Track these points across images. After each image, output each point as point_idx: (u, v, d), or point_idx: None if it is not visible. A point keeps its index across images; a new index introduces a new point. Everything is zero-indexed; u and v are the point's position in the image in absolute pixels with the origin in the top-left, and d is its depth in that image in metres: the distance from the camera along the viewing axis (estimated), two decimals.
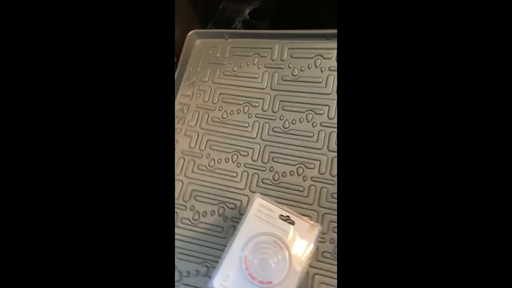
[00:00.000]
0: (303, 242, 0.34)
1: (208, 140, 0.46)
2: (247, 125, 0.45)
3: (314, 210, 0.38)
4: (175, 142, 0.46)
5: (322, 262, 0.35)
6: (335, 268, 0.34)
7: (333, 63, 0.45)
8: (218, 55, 0.51)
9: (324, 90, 0.44)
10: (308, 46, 0.47)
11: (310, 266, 0.34)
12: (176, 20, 0.49)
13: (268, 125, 0.45)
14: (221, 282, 0.33)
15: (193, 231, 0.40)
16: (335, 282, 0.33)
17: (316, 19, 0.59)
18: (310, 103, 0.44)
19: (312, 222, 0.36)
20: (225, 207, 0.41)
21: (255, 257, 0.32)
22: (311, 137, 0.43)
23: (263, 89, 0.47)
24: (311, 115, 0.43)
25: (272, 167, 0.42)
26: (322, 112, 0.43)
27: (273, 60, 0.48)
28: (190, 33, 0.53)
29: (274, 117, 0.44)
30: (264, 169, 0.42)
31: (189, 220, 0.41)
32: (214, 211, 0.41)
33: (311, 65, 0.45)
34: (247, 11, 0.62)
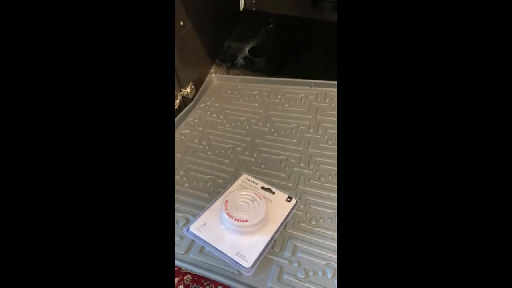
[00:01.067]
0: (281, 207, 0.40)
1: (210, 139, 0.55)
2: (244, 131, 0.55)
3: (293, 190, 0.45)
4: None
5: (298, 229, 0.40)
6: (309, 236, 0.39)
7: (313, 100, 0.60)
8: (229, 92, 0.66)
9: (306, 115, 0.57)
10: (295, 90, 0.64)
11: (286, 230, 0.39)
12: (189, 58, 0.63)
13: (261, 133, 0.55)
14: (197, 227, 0.37)
15: None
16: (306, 246, 0.38)
17: (301, 60, 0.73)
18: (295, 122, 0.56)
19: (290, 195, 0.42)
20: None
21: (236, 202, 0.38)
22: (293, 142, 0.52)
23: (260, 111, 0.59)
24: (296, 130, 0.55)
25: (260, 159, 0.50)
26: (304, 127, 0.55)
27: (270, 97, 0.63)
28: (211, 75, 0.70)
29: (266, 128, 0.55)
30: (253, 160, 0.50)
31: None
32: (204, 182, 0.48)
33: (298, 101, 0.61)
34: (247, 48, 0.76)
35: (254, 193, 0.38)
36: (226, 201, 0.37)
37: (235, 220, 0.35)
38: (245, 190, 0.39)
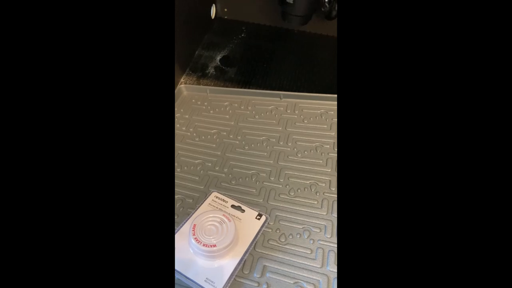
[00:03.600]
0: (250, 225, 0.40)
1: (178, 154, 0.54)
2: (214, 145, 0.55)
3: (264, 206, 0.45)
4: None
5: (267, 247, 0.40)
6: (278, 254, 0.39)
7: (283, 112, 0.60)
8: (199, 103, 0.64)
9: (276, 127, 0.57)
10: (266, 101, 0.63)
11: (255, 249, 0.39)
12: None
13: (231, 146, 0.54)
14: None
15: None
16: (275, 265, 0.38)
17: (273, 69, 0.74)
18: (265, 134, 0.56)
19: (260, 212, 0.42)
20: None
21: (204, 226, 0.37)
22: (264, 155, 0.52)
23: (231, 123, 0.59)
24: (266, 142, 0.55)
25: (230, 174, 0.50)
26: (274, 140, 0.55)
27: (241, 108, 0.62)
28: (181, 86, 0.68)
29: (237, 141, 0.55)
30: (223, 176, 0.50)
31: None
32: None
33: (268, 112, 0.60)
34: (218, 58, 0.76)
35: (223, 215, 0.38)
36: (194, 225, 0.36)
37: (203, 245, 0.35)
38: (213, 212, 0.38)
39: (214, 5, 0.85)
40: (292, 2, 0.59)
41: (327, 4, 0.67)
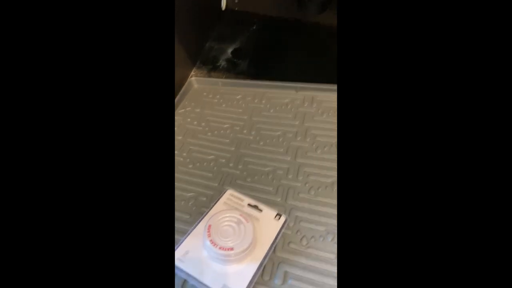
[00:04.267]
0: (269, 226, 0.37)
1: (190, 149, 0.51)
2: (227, 140, 0.52)
3: (282, 206, 0.42)
4: None
5: (288, 251, 0.37)
6: (300, 259, 0.36)
7: (300, 105, 0.56)
8: (211, 96, 0.61)
9: (292, 121, 0.53)
10: (281, 94, 0.59)
11: (275, 253, 0.36)
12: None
13: (246, 141, 0.52)
14: (179, 257, 0.34)
15: None
16: (298, 271, 0.35)
17: (286, 62, 0.70)
18: (281, 129, 0.52)
19: (278, 212, 0.39)
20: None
21: (220, 227, 0.34)
22: (280, 152, 0.49)
23: (244, 118, 0.55)
24: (282, 137, 0.51)
25: (245, 171, 0.47)
26: (291, 135, 0.51)
27: (255, 102, 0.58)
28: (191, 78, 0.65)
29: (251, 136, 0.52)
30: (238, 173, 0.46)
31: None
32: None
33: (284, 106, 0.57)
34: (230, 50, 0.72)
35: (240, 214, 0.35)
36: (209, 226, 0.33)
37: (220, 248, 0.32)
38: (229, 211, 0.35)
39: None
40: None
41: None
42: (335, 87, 0.57)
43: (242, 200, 0.40)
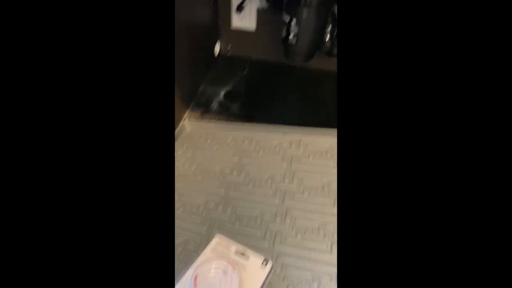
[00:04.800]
0: (255, 274, 0.37)
1: (180, 194, 0.52)
2: (217, 183, 0.53)
3: (269, 251, 0.42)
4: None
5: None
6: None
7: (287, 147, 0.59)
8: (202, 139, 0.64)
9: (280, 164, 0.56)
10: (270, 136, 0.62)
11: None
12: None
13: (235, 184, 0.53)
14: None
15: None
16: None
17: (276, 104, 0.74)
18: (270, 171, 0.54)
19: (266, 257, 0.40)
20: None
21: (207, 277, 0.34)
22: (268, 195, 0.51)
23: (234, 160, 0.58)
24: (271, 180, 0.53)
25: (234, 216, 0.48)
26: (279, 177, 0.53)
27: (245, 144, 0.61)
28: (184, 121, 0.68)
29: (241, 179, 0.54)
30: (227, 218, 0.47)
31: None
32: None
33: (272, 148, 0.59)
34: (222, 93, 0.76)
35: (227, 263, 0.36)
36: (196, 276, 0.34)
37: None
38: (216, 260, 0.36)
39: (218, 42, 0.88)
40: (294, 42, 0.60)
41: (328, 43, 0.68)
42: (320, 130, 0.60)
43: (229, 247, 0.41)
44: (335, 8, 0.63)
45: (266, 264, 0.39)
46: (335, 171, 0.52)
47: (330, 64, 0.84)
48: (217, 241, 0.42)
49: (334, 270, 0.39)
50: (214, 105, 0.74)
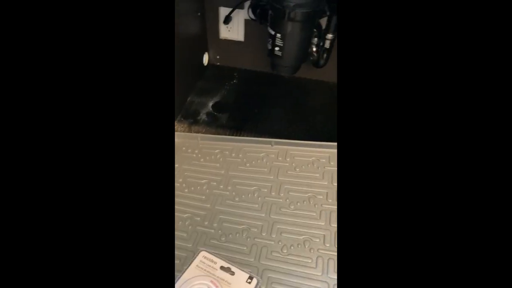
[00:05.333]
0: None
1: None
2: (203, 197, 0.53)
3: (255, 266, 0.42)
4: None
5: None
6: None
7: (274, 159, 0.60)
8: (189, 151, 0.63)
9: (267, 176, 0.56)
10: (257, 148, 0.62)
11: None
12: None
13: (222, 197, 0.53)
14: None
15: None
16: None
17: (264, 115, 0.74)
18: (257, 184, 0.55)
19: (251, 274, 0.39)
20: None
21: None
22: (255, 208, 0.51)
23: (221, 172, 0.58)
24: (258, 192, 0.53)
25: (220, 230, 0.47)
26: (266, 190, 0.53)
27: (232, 156, 0.61)
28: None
29: (228, 192, 0.54)
30: (213, 232, 0.47)
31: None
32: None
33: (260, 160, 0.59)
34: (210, 104, 0.76)
35: (211, 281, 0.35)
36: None
37: None
38: (200, 278, 0.36)
39: (207, 53, 0.88)
40: (280, 54, 0.61)
41: (315, 54, 0.69)
42: (308, 142, 0.60)
43: (215, 263, 0.41)
44: (321, 20, 0.64)
45: (251, 281, 0.39)
46: (321, 183, 0.53)
47: (318, 75, 0.85)
48: (202, 258, 0.41)
49: (320, 285, 0.39)
50: (202, 116, 0.74)
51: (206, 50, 0.88)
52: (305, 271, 0.41)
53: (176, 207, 0.52)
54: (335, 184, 0.52)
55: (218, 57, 0.90)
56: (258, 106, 0.77)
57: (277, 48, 0.61)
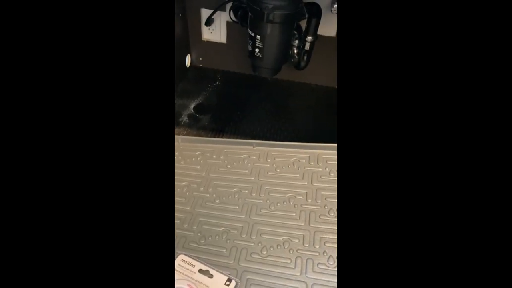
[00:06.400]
0: None
1: None
2: (183, 200, 0.52)
3: (234, 268, 0.42)
4: None
5: None
6: None
7: (256, 161, 0.60)
8: None
9: (248, 177, 0.56)
10: (238, 150, 0.62)
11: None
12: None
13: (202, 199, 0.52)
14: None
15: None
16: None
17: (246, 117, 0.74)
18: (237, 185, 0.55)
19: (229, 276, 0.39)
20: None
21: None
22: (235, 210, 0.50)
23: (202, 175, 0.57)
24: (238, 194, 0.53)
25: (200, 232, 0.47)
26: (246, 191, 0.53)
27: (213, 158, 0.60)
28: None
29: (208, 194, 0.54)
30: (192, 235, 0.47)
31: None
32: None
33: (241, 161, 0.59)
34: (192, 105, 0.76)
35: (188, 284, 0.35)
36: None
37: None
38: (178, 282, 0.35)
39: (189, 54, 0.88)
40: (260, 56, 0.61)
41: (295, 55, 0.70)
42: (288, 143, 0.60)
43: (193, 266, 0.40)
44: (301, 23, 0.65)
45: (229, 283, 0.39)
46: (301, 183, 0.53)
47: (299, 77, 0.86)
48: (180, 261, 0.41)
49: (298, 285, 0.39)
50: (184, 118, 0.73)
51: (188, 51, 0.88)
52: (284, 272, 0.41)
53: None
54: (315, 184, 0.53)
55: (200, 58, 0.90)
56: (240, 108, 0.77)
57: (257, 50, 0.61)
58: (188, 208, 0.51)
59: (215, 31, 0.83)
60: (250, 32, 0.61)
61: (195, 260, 0.41)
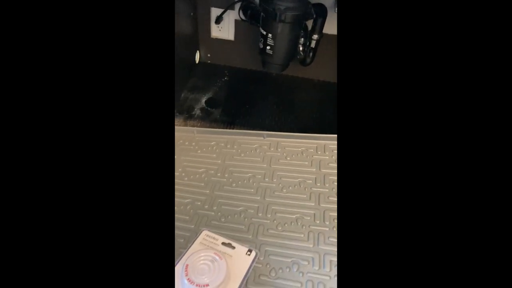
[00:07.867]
0: (241, 262, 0.42)
1: None
2: (202, 184, 0.57)
3: (253, 242, 0.47)
4: None
5: (259, 283, 0.41)
6: None
7: (267, 150, 0.64)
8: (187, 143, 0.67)
9: (261, 164, 0.61)
10: (250, 140, 0.66)
11: (247, 286, 0.41)
12: None
13: (219, 184, 0.57)
14: None
15: None
16: None
17: (255, 110, 0.79)
18: (251, 171, 0.60)
19: (250, 247, 0.44)
20: None
21: (196, 266, 0.38)
22: (251, 192, 0.55)
23: (218, 162, 0.62)
24: (252, 179, 0.58)
25: (220, 212, 0.52)
26: (260, 176, 0.58)
27: (227, 147, 0.65)
28: None
29: (225, 179, 0.58)
30: (213, 214, 0.51)
31: None
32: None
33: (253, 151, 0.64)
34: (204, 100, 0.80)
35: (214, 253, 0.39)
36: (187, 265, 0.38)
37: (196, 285, 0.36)
38: (205, 250, 0.40)
39: (198, 51, 0.92)
40: (271, 53, 0.66)
41: (301, 52, 0.75)
42: (296, 134, 0.65)
43: (216, 240, 0.45)
44: (307, 22, 0.70)
45: (250, 253, 0.43)
46: (310, 169, 0.58)
47: (304, 72, 0.91)
48: (205, 236, 0.46)
49: (311, 255, 0.44)
50: (197, 111, 0.78)
51: (198, 48, 0.92)
52: (299, 244, 0.46)
53: (177, 193, 0.55)
54: (323, 170, 0.58)
55: (209, 55, 0.94)
56: (249, 102, 0.81)
57: (268, 47, 0.66)
58: (208, 191, 0.55)
59: (224, 29, 0.87)
60: (262, 30, 0.65)
61: (218, 234, 0.46)
